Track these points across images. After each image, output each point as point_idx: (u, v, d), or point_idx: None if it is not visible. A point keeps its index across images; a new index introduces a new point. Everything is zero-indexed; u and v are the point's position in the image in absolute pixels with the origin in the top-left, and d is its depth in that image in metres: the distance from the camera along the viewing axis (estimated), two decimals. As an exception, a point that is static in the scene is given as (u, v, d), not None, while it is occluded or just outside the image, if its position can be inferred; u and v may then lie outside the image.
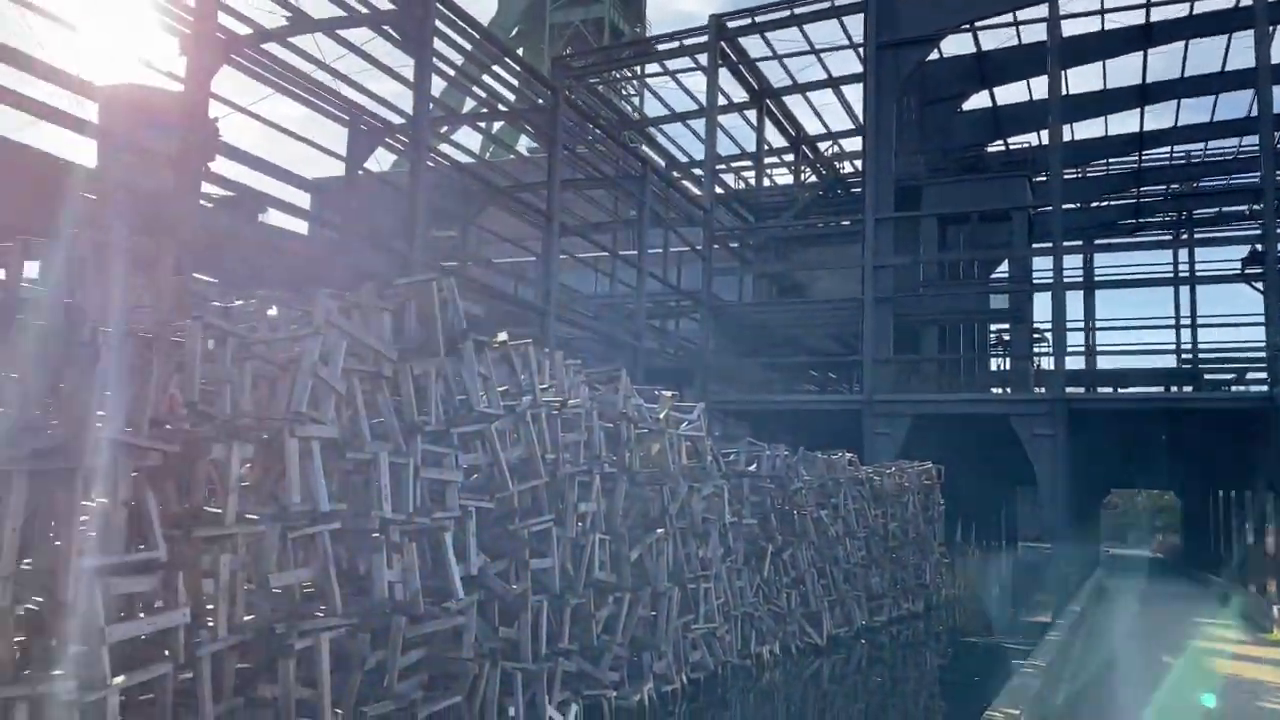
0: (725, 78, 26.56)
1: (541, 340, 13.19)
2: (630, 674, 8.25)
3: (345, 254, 14.24)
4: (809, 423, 21.74)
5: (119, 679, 4.51)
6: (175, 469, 5.07)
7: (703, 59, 25.88)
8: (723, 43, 25.51)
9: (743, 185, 31.28)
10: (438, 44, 15.36)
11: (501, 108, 21.75)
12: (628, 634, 8.26)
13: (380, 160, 21.47)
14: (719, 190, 26.82)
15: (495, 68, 19.93)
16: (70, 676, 4.34)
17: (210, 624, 5.11)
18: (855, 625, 12.96)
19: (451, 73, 20.51)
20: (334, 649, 5.47)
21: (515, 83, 20.60)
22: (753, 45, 26.88)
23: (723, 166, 29.28)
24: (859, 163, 28.03)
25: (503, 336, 7.49)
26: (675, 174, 27.93)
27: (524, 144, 30.94)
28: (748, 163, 30.95)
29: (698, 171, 28.22)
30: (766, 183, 30.89)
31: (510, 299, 17.61)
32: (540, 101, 19.51)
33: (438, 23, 14.75)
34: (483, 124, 24.66)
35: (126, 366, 4.67)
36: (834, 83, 28.28)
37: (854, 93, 28.08)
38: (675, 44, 26.61)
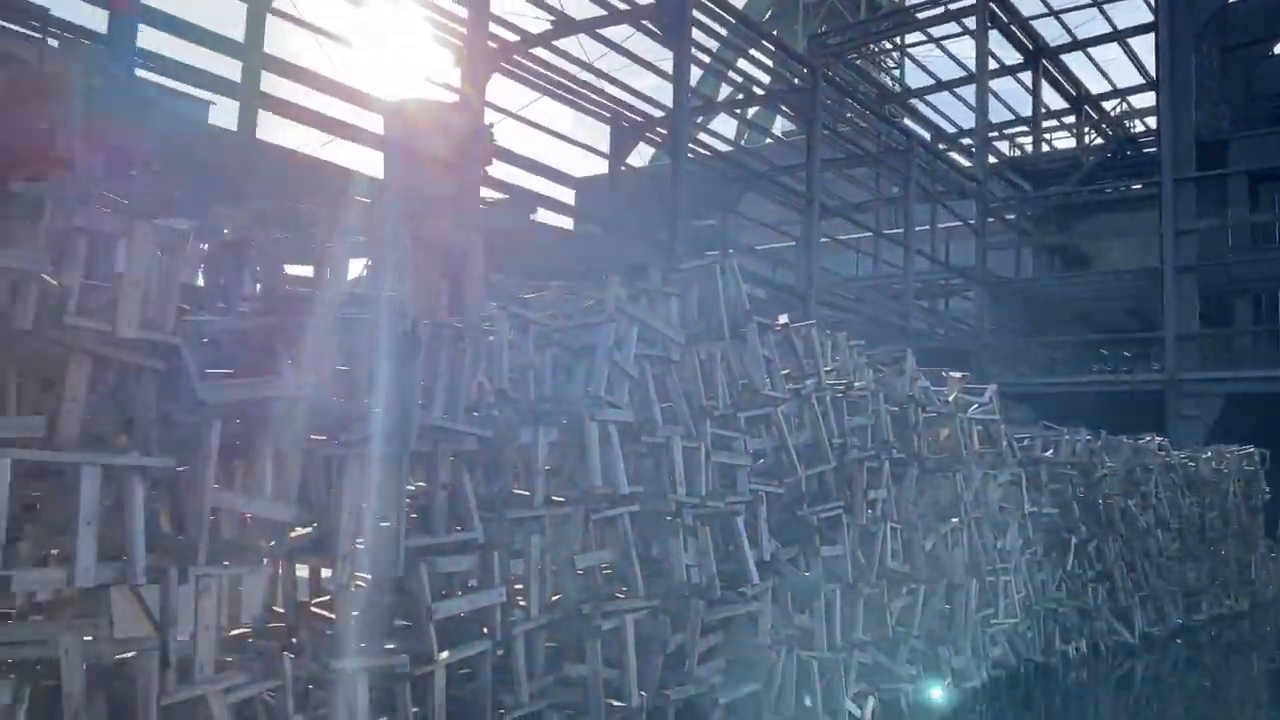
0: (995, 39, 25.06)
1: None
2: (927, 669, 7.88)
3: (611, 247, 14.59)
4: (1101, 406, 20.06)
5: (444, 654, 4.72)
6: (486, 453, 5.28)
7: (970, 22, 24.50)
8: (991, 3, 24.04)
9: (1018, 152, 29.40)
10: (694, 33, 15.38)
11: (757, 91, 21.55)
12: (923, 627, 7.88)
13: (641, 154, 21.90)
14: (992, 159, 25.32)
15: (751, 51, 19.76)
16: (401, 650, 4.60)
17: (522, 603, 5.29)
18: (1170, 623, 11.80)
19: (707, 60, 20.55)
20: (635, 631, 5.51)
21: (771, 64, 20.34)
22: (1025, 3, 25.21)
23: (995, 134, 27.66)
24: (1151, 120, 25.69)
25: (784, 319, 7.32)
26: (942, 146, 26.65)
27: (780, 126, 30.56)
28: (1023, 128, 29.07)
29: (967, 141, 26.78)
30: (1045, 148, 28.86)
31: (772, 284, 17.42)
32: (797, 82, 19.15)
33: (695, 12, 14.75)
34: (738, 109, 24.54)
35: (443, 356, 4.88)
36: (1119, 35, 26.04)
37: (1143, 44, 25.77)
38: (939, 9, 25.35)
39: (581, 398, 5.63)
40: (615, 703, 5.33)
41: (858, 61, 29.88)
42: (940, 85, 28.34)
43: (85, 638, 3.87)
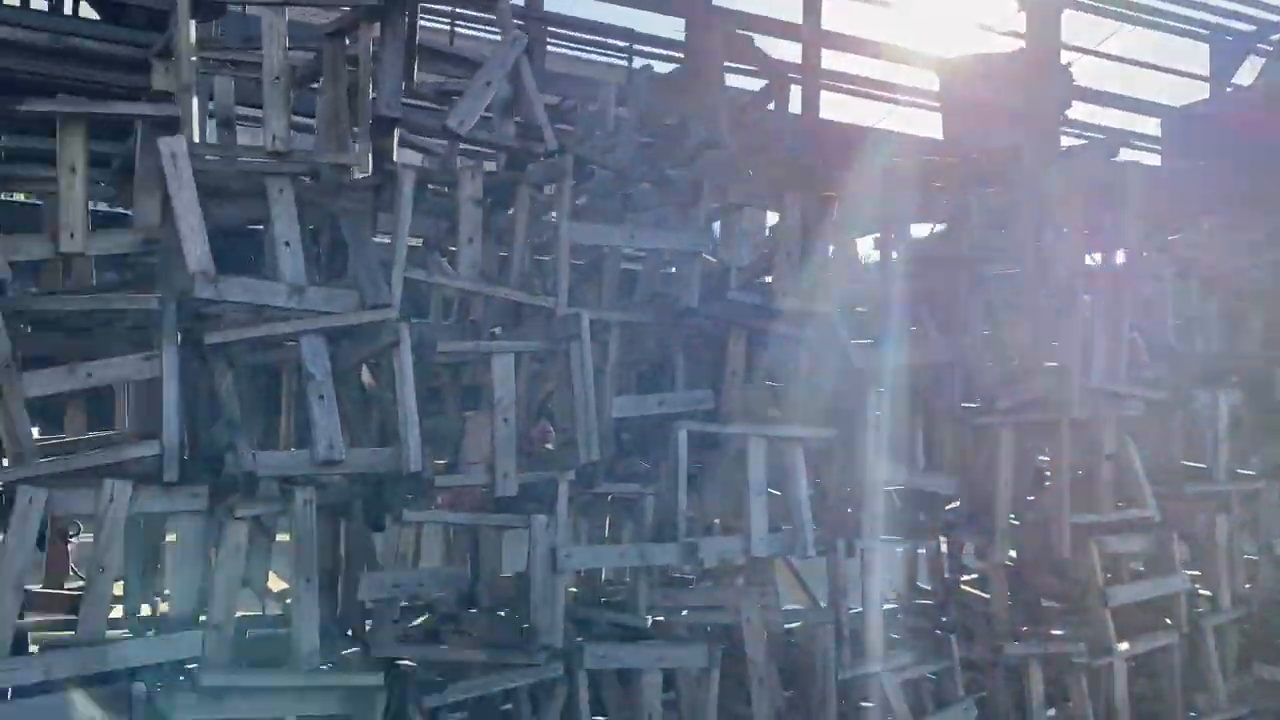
0: None
1: None
2: None
3: (1216, 180, 12.54)
4: None
5: (1124, 645, 4.17)
6: (1152, 419, 4.59)
7: None
8: None
9: None
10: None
11: None
12: None
13: (1251, 68, 18.64)
14: None
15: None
16: (1077, 639, 4.14)
17: (1206, 592, 4.54)
18: None
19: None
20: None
21: None
22: None
23: None
24: None
25: None
26: None
27: None
28: None
29: None
30: None
31: None
32: None
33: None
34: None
35: (1099, 310, 4.31)
36: None
37: None
38: None
39: (1258, 350, 4.69)
40: (1340, 720, 4.37)
41: None
42: None
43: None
